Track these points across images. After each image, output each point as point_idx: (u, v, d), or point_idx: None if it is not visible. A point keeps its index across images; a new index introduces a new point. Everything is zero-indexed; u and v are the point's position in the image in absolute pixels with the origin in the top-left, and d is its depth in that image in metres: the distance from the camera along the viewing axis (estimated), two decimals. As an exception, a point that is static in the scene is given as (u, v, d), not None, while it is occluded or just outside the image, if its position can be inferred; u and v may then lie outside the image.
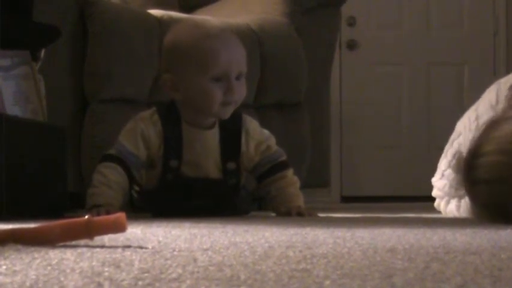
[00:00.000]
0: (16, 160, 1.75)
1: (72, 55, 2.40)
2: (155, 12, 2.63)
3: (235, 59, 1.86)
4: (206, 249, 0.92)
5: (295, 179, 1.99)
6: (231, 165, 1.91)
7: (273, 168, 1.96)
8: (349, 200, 4.53)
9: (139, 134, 1.85)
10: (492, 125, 1.58)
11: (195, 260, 0.80)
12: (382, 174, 4.69)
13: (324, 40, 3.06)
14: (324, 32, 3.05)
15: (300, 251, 0.89)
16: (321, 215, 2.02)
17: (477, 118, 1.86)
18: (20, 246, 0.94)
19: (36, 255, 0.85)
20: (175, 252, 0.88)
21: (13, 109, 1.86)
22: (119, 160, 1.83)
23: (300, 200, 1.97)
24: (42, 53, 2.07)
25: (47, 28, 2.03)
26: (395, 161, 4.70)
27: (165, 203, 1.90)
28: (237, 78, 1.86)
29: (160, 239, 1.10)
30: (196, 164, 1.89)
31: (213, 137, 1.90)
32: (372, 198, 4.41)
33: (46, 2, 2.17)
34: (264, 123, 2.82)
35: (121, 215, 0.99)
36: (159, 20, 2.56)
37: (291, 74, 2.86)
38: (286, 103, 2.88)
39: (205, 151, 1.89)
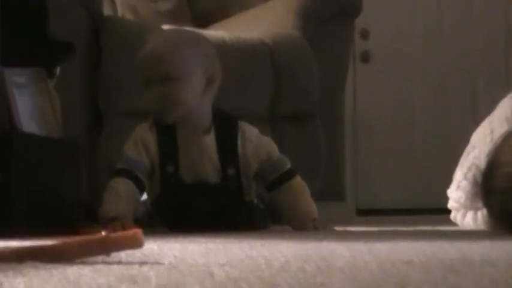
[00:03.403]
0: (31, 176, 1.76)
1: (87, 70, 2.41)
2: (169, 27, 2.64)
3: (156, 62, 1.84)
4: (223, 264, 0.92)
5: (304, 185, 1.97)
6: (231, 171, 1.90)
7: (281, 178, 1.94)
8: (365, 213, 4.51)
9: (140, 141, 1.88)
10: (509, 136, 1.59)
11: (212, 275, 0.80)
12: (397, 186, 4.68)
13: (338, 52, 3.06)
14: (337, 45, 3.05)
15: (317, 265, 0.89)
16: (337, 228, 2.01)
17: (492, 132, 1.85)
18: (37, 263, 0.94)
19: (54, 271, 0.85)
20: (192, 268, 0.88)
21: (29, 125, 1.87)
22: (126, 171, 1.85)
23: (312, 209, 1.95)
24: (58, 70, 2.08)
25: (62, 45, 2.04)
26: (411, 172, 4.68)
27: (169, 210, 1.90)
28: (163, 81, 1.84)
29: (177, 254, 1.10)
30: (194, 169, 1.88)
31: (209, 142, 1.89)
32: (387, 211, 4.39)
33: (60, 19, 2.19)
34: (277, 136, 2.83)
35: (138, 231, 0.99)
36: (172, 36, 2.57)
37: (304, 86, 2.87)
38: (300, 115, 2.88)
39: (201, 156, 1.88)
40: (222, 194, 1.90)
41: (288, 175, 1.96)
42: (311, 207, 1.96)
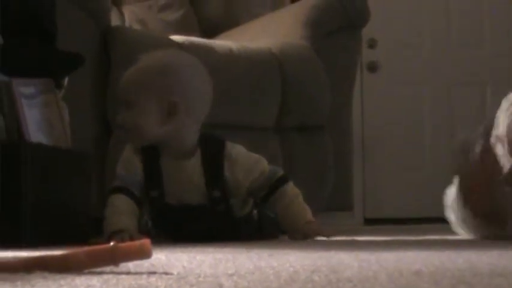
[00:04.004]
0: (40, 187, 1.76)
1: (95, 82, 2.42)
2: (176, 38, 2.64)
3: (122, 86, 1.88)
4: (231, 275, 0.92)
5: (296, 191, 1.96)
6: (216, 193, 1.89)
7: (272, 187, 1.94)
8: (373, 223, 4.51)
9: (128, 160, 1.90)
10: None
11: (220, 285, 0.80)
12: (405, 196, 4.67)
13: (346, 62, 3.06)
14: (345, 55, 3.06)
15: (325, 275, 0.89)
16: (345, 238, 2.01)
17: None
18: (46, 274, 0.94)
19: (62, 282, 0.85)
20: (200, 278, 0.88)
21: (37, 136, 1.87)
22: (121, 188, 1.87)
23: (306, 214, 1.94)
24: (66, 80, 2.08)
25: (71, 55, 2.05)
26: (418, 182, 4.68)
27: (162, 228, 1.92)
28: (127, 106, 1.85)
29: (185, 264, 1.10)
30: (178, 193, 1.88)
31: (193, 166, 1.88)
32: (395, 220, 4.38)
33: (69, 30, 2.19)
34: (285, 147, 2.84)
35: (146, 241, 0.99)
36: (180, 46, 2.58)
37: (313, 97, 2.87)
38: (308, 126, 2.88)
39: (184, 181, 1.88)
40: (209, 216, 1.89)
41: (280, 182, 1.95)
42: (305, 211, 1.95)
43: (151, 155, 1.89)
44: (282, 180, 1.95)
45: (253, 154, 1.95)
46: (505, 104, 1.89)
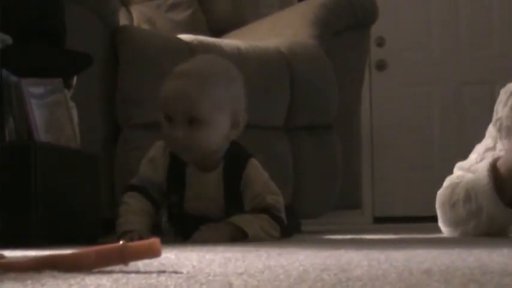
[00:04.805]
0: (49, 187, 1.76)
1: (104, 82, 2.42)
2: (185, 37, 2.64)
3: (183, 102, 1.77)
4: (241, 274, 0.92)
5: (267, 219, 1.84)
6: (233, 208, 1.86)
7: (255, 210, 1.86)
8: (382, 221, 4.50)
9: (153, 159, 1.88)
10: None
11: (230, 284, 0.80)
12: (414, 194, 4.66)
13: (354, 62, 3.06)
14: (353, 54, 3.05)
15: (335, 274, 0.89)
16: (354, 236, 2.01)
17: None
18: (56, 273, 0.94)
19: (72, 281, 0.85)
20: (210, 277, 0.88)
21: (46, 136, 1.87)
22: (138, 187, 1.87)
23: (248, 225, 1.81)
24: (75, 80, 2.09)
25: (79, 55, 2.05)
26: (427, 181, 4.66)
27: (177, 230, 1.92)
28: (190, 123, 1.77)
29: (195, 263, 1.10)
30: (197, 203, 1.87)
31: (214, 179, 1.86)
32: (404, 219, 4.37)
33: (78, 30, 2.20)
34: (294, 146, 2.84)
35: (155, 240, 0.99)
36: (189, 45, 2.58)
37: (322, 96, 2.86)
38: (317, 125, 2.88)
39: (205, 193, 1.86)
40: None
41: (262, 209, 1.86)
42: (248, 222, 1.82)
43: (179, 160, 1.86)
44: (265, 209, 1.85)
45: (272, 185, 1.88)
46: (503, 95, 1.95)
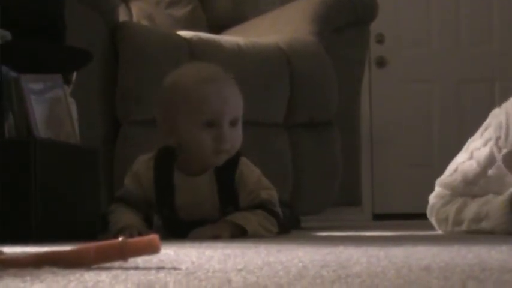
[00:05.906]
0: (49, 183, 1.76)
1: (104, 78, 2.42)
2: (184, 33, 2.64)
3: (228, 104, 1.81)
4: (240, 270, 0.92)
5: (264, 214, 1.85)
6: (229, 208, 1.86)
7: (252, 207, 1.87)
8: (381, 218, 4.50)
9: (139, 175, 1.89)
10: None
11: (229, 281, 0.80)
12: (413, 191, 4.66)
13: (353, 58, 3.06)
14: (353, 50, 3.05)
15: (334, 271, 0.89)
16: (353, 233, 2.01)
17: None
18: (55, 269, 0.94)
19: (71, 277, 0.85)
20: (209, 273, 0.88)
21: (46, 132, 1.87)
22: (124, 199, 1.89)
23: (247, 222, 1.83)
24: (74, 76, 2.09)
25: (79, 52, 2.05)
26: (427, 178, 4.65)
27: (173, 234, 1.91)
28: (232, 124, 1.82)
29: (194, 260, 1.10)
30: (190, 209, 1.87)
31: (206, 182, 1.86)
32: (403, 216, 4.37)
33: (77, 26, 2.20)
34: (294, 142, 2.84)
35: (154, 237, 0.99)
36: (188, 41, 2.58)
37: (321, 92, 2.86)
38: (316, 122, 2.88)
39: (198, 198, 1.86)
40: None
41: (258, 206, 1.87)
42: (247, 220, 1.83)
43: (164, 171, 1.87)
44: (261, 205, 1.86)
45: (264, 180, 1.90)
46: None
